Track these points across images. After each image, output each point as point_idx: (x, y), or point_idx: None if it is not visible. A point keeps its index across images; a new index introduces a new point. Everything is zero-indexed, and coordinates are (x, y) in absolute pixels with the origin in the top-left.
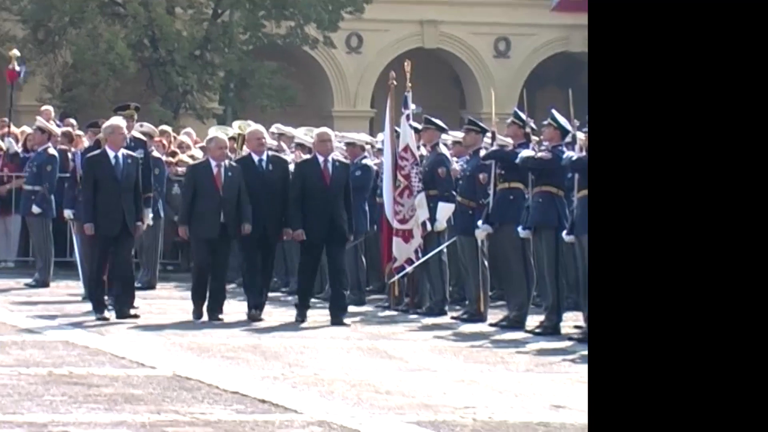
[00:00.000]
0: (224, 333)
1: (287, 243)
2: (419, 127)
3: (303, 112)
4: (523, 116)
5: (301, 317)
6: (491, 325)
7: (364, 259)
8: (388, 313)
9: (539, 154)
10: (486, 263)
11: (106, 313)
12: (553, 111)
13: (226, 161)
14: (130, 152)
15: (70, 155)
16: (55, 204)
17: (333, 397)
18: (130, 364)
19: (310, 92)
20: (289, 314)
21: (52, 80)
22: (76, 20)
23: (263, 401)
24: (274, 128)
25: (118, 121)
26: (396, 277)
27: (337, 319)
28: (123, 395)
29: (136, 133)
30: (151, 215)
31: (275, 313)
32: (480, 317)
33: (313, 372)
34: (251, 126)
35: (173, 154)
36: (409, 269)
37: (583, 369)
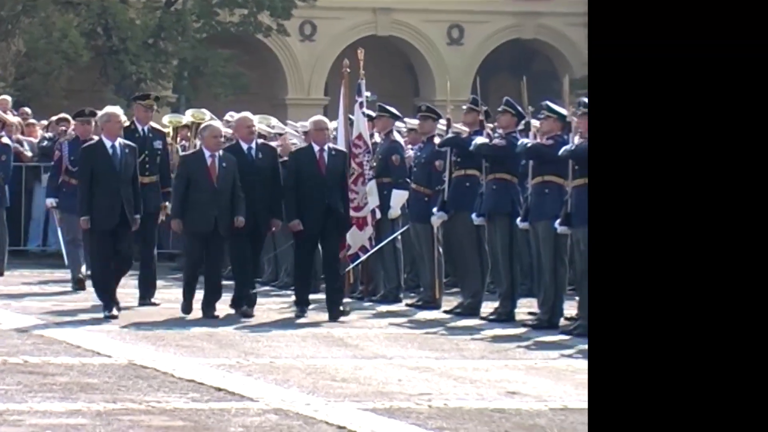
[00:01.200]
0: (180, 321)
1: (278, 234)
2: (373, 114)
3: (257, 100)
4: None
5: (302, 312)
6: (446, 312)
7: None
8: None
9: (494, 141)
10: (441, 250)
11: (114, 311)
12: (508, 98)
13: (220, 151)
14: (127, 142)
15: (56, 144)
16: (9, 194)
17: (289, 384)
18: (85, 353)
19: (264, 80)
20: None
21: (5, 69)
22: (28, 8)
23: (219, 389)
24: (227, 116)
25: (113, 108)
26: (351, 266)
27: (335, 314)
28: (78, 384)
29: (155, 124)
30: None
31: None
32: (435, 304)
33: (268, 360)
34: (205, 114)
35: None
36: (363, 257)
37: (537, 355)
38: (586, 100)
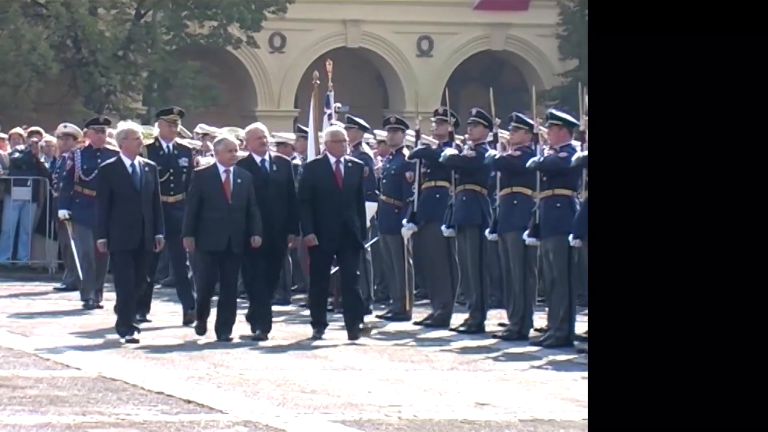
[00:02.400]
0: (149, 334)
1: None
2: (344, 125)
3: (226, 111)
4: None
5: (318, 334)
6: (416, 323)
7: (290, 259)
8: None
9: (464, 153)
10: (411, 262)
11: (136, 335)
12: (480, 109)
13: (234, 166)
14: (147, 160)
15: (67, 155)
16: None
17: (258, 396)
18: (55, 366)
19: (234, 92)
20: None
21: None
22: None
23: (188, 401)
24: (198, 128)
25: (130, 125)
26: None
27: (354, 334)
28: (48, 397)
29: (180, 140)
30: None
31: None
32: (405, 316)
33: (238, 372)
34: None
35: None
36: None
37: (507, 366)
38: (555, 111)
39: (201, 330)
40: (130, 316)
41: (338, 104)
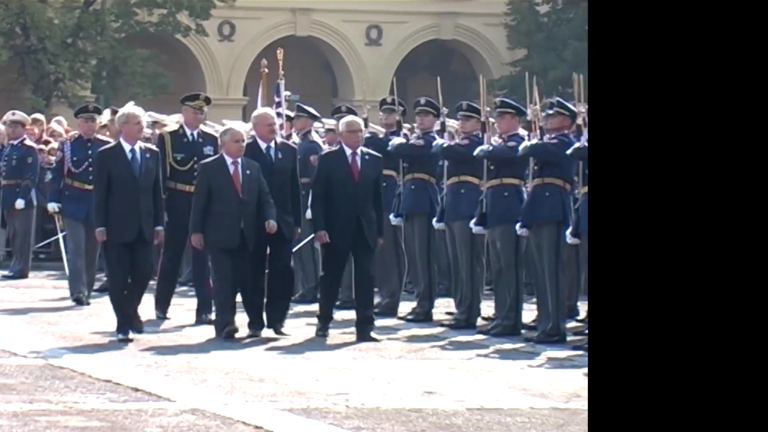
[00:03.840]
0: (96, 321)
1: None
2: (292, 115)
3: (175, 99)
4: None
5: (323, 331)
6: None
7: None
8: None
9: (412, 141)
10: None
11: (131, 334)
12: (428, 98)
13: (242, 157)
14: (149, 146)
15: (56, 144)
16: None
17: (206, 385)
18: (2, 354)
19: (183, 80)
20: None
21: None
22: None
23: (136, 389)
24: (147, 116)
25: (132, 108)
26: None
27: (364, 335)
28: None
29: (205, 128)
30: (23, 203)
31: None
32: (352, 304)
33: (186, 360)
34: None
35: (46, 142)
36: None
37: (454, 354)
38: (507, 99)
39: (231, 332)
40: (124, 312)
41: (288, 92)
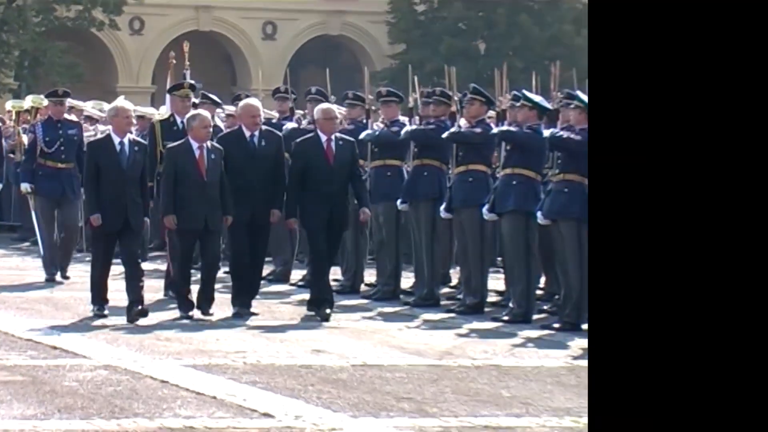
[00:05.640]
0: (19, 285)
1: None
2: (197, 102)
3: (90, 87)
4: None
5: (321, 315)
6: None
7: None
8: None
9: (303, 126)
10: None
11: (106, 311)
12: (318, 87)
13: (208, 142)
14: (138, 139)
15: (28, 126)
16: None
17: (118, 344)
18: None
19: (97, 70)
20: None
21: None
22: None
23: (55, 348)
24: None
25: (122, 102)
26: None
27: (323, 314)
28: None
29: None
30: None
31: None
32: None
33: (100, 322)
34: (44, 100)
35: None
36: None
37: (341, 317)
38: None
39: (187, 307)
40: (102, 293)
41: (192, 81)
